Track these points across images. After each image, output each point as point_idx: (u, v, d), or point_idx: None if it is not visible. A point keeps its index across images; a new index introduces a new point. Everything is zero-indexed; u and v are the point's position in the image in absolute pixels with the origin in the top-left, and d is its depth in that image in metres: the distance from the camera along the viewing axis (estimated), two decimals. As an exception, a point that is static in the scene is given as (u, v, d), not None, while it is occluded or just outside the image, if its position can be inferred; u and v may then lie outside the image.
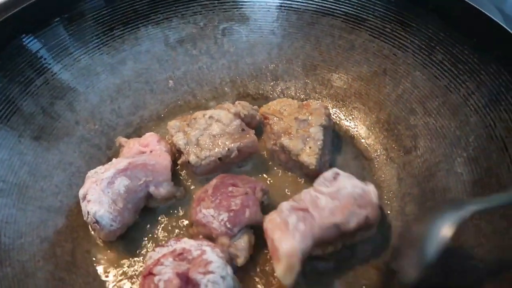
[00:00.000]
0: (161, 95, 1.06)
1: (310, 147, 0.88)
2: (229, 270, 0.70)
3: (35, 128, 0.89)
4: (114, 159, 0.84)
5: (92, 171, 0.83)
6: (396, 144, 0.94)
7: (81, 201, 0.79)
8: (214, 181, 0.82)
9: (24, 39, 0.90)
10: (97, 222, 0.76)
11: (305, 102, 0.96)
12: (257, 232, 0.80)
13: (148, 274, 0.68)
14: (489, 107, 0.81)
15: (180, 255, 0.69)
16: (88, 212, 0.76)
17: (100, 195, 0.76)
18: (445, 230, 0.62)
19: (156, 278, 0.66)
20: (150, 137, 0.91)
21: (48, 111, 0.92)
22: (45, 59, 0.93)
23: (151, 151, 0.87)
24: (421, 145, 0.90)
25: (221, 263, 0.69)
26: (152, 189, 0.83)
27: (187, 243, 0.72)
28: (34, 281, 0.72)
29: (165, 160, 0.84)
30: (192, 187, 0.91)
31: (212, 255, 0.69)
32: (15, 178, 0.82)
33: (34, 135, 0.89)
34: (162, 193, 0.84)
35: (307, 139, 0.89)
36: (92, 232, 0.83)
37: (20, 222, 0.79)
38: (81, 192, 0.79)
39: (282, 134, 0.90)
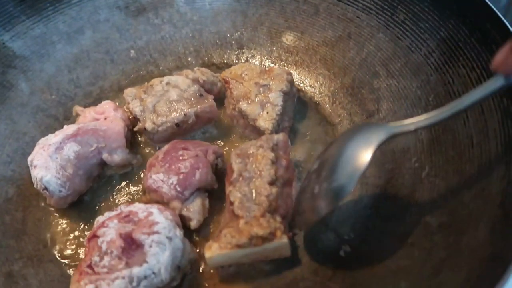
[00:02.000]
0: (122, 65, 1.03)
1: (267, 112, 0.86)
2: (178, 232, 0.68)
3: (-14, 97, 0.87)
4: (65, 126, 0.82)
5: (43, 138, 0.81)
6: (359, 109, 0.92)
7: (30, 168, 0.77)
8: (165, 147, 0.79)
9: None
10: (45, 188, 0.74)
11: (268, 67, 0.93)
12: (212, 196, 0.78)
13: (92, 236, 0.66)
14: (448, 64, 0.78)
15: (126, 217, 0.68)
16: (36, 178, 0.74)
17: (47, 160, 0.73)
18: (363, 154, 0.59)
19: (99, 240, 0.65)
20: (106, 105, 0.88)
21: (0, 80, 0.89)
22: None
23: (105, 118, 0.84)
24: (384, 108, 0.88)
25: (167, 224, 0.67)
26: (105, 156, 0.81)
27: (136, 207, 0.71)
28: (-23, 247, 0.70)
29: (118, 126, 0.82)
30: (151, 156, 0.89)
31: (159, 216, 0.67)
32: (-37, 146, 0.80)
33: (-16, 104, 0.86)
34: (116, 160, 0.81)
35: (266, 105, 0.87)
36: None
37: (-33, 190, 0.76)
38: (29, 159, 0.77)
39: (241, 99, 0.88)
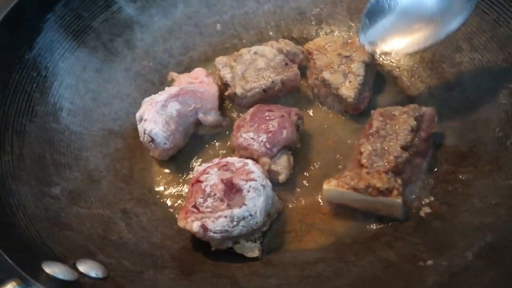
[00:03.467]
0: (209, 38, 1.11)
1: (350, 81, 0.90)
2: (269, 182, 0.75)
3: (98, 60, 0.98)
4: (166, 87, 0.92)
5: (148, 98, 0.91)
6: (439, 82, 0.94)
7: (137, 123, 0.87)
8: (251, 110, 0.87)
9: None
10: (152, 140, 0.84)
11: (351, 40, 0.98)
12: (294, 155, 0.84)
13: (196, 182, 0.75)
14: (539, 36, 0.79)
15: (224, 166, 0.76)
16: (144, 131, 0.84)
17: (155, 116, 0.83)
18: None
19: (203, 184, 0.73)
20: (199, 71, 0.97)
21: (108, 47, 1.00)
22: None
23: (200, 82, 0.93)
24: (466, 81, 0.90)
25: (261, 174, 0.74)
26: (201, 115, 0.90)
27: (231, 159, 0.79)
28: (98, 186, 0.82)
29: (213, 89, 0.90)
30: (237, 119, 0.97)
31: (254, 167, 0.75)
32: (81, 102, 0.92)
33: (96, 67, 0.98)
34: (210, 120, 0.90)
35: (348, 74, 0.92)
36: (149, 153, 0.91)
37: (86, 138, 0.88)
38: (138, 115, 0.87)
39: (324, 69, 0.93)
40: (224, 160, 0.78)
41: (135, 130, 0.94)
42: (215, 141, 0.93)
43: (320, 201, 0.81)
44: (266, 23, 1.13)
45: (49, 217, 0.70)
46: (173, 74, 0.99)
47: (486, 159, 0.76)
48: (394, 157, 0.75)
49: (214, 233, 0.69)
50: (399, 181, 0.73)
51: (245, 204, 0.71)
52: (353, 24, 1.08)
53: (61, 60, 0.91)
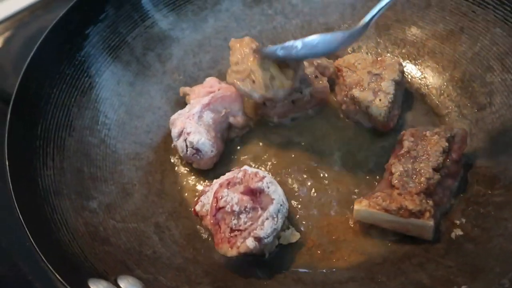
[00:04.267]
0: (238, 52, 1.13)
1: (380, 100, 0.91)
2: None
3: (131, 74, 1.00)
4: (191, 101, 0.93)
5: (175, 115, 0.92)
6: (469, 101, 0.94)
7: (175, 140, 0.88)
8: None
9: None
10: (197, 151, 0.85)
11: (380, 58, 0.98)
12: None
13: (216, 211, 0.74)
14: None
15: (229, 183, 0.76)
16: (187, 145, 0.85)
17: (197, 127, 0.85)
18: None
19: (227, 207, 0.73)
20: (211, 80, 0.99)
21: (141, 61, 1.03)
22: (147, 10, 1.03)
23: (218, 89, 0.94)
24: (497, 102, 0.89)
25: (265, 172, 0.78)
26: (231, 119, 0.92)
27: (226, 175, 0.79)
28: (132, 199, 0.84)
29: (236, 92, 0.93)
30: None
31: (252, 168, 0.79)
32: (115, 115, 0.94)
33: (129, 80, 1.00)
34: (240, 121, 0.93)
35: (378, 92, 0.92)
36: (191, 166, 0.91)
37: (120, 152, 0.91)
38: (175, 131, 0.88)
39: (354, 86, 0.94)
40: (222, 178, 0.78)
41: (166, 143, 0.96)
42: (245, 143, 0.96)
43: (350, 219, 0.82)
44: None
45: (89, 231, 0.72)
46: (185, 89, 1.00)
47: (519, 183, 0.76)
48: (426, 179, 0.75)
49: (267, 238, 0.71)
50: (430, 202, 0.74)
51: (273, 198, 0.74)
52: (380, 41, 1.09)
53: (97, 75, 0.94)
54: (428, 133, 0.82)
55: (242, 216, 0.73)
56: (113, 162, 0.87)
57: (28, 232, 0.63)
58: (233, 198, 0.74)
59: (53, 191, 0.74)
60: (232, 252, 0.72)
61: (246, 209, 0.73)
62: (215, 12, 1.12)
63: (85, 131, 0.87)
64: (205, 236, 0.83)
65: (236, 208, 0.74)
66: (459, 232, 0.76)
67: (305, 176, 0.89)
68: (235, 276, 0.75)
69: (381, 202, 0.74)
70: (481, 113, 0.91)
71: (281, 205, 0.74)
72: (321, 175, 0.89)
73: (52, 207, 0.71)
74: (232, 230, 0.72)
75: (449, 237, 0.76)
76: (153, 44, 1.05)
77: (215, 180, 0.80)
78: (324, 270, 0.76)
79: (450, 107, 0.96)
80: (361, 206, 0.76)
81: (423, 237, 0.75)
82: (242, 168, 0.79)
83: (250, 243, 0.70)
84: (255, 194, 0.75)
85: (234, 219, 0.73)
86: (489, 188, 0.80)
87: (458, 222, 0.78)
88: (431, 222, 0.72)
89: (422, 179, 0.75)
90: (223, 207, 0.74)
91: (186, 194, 0.90)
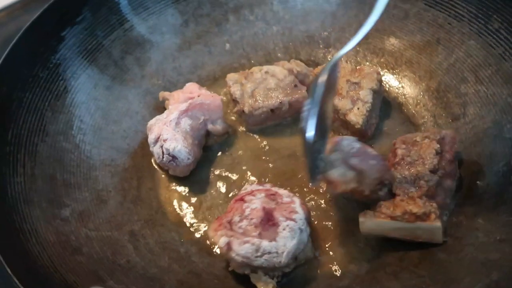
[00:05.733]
0: (218, 57, 1.12)
1: (358, 108, 0.92)
2: (308, 229, 0.75)
3: (108, 78, 0.99)
4: (170, 106, 0.93)
5: (152, 120, 0.91)
6: (444, 112, 0.96)
7: (151, 146, 0.87)
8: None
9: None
10: (173, 158, 0.84)
11: (359, 66, 0.99)
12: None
13: (240, 199, 0.76)
14: (544, 74, 0.81)
15: (272, 195, 0.76)
16: (163, 152, 0.84)
17: (173, 134, 0.84)
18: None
19: (245, 204, 0.74)
20: (191, 86, 0.98)
21: (119, 64, 1.01)
22: (125, 13, 1.02)
23: (198, 96, 0.94)
24: (470, 112, 0.91)
25: (304, 218, 0.74)
26: (210, 126, 0.92)
27: (281, 191, 0.79)
28: (106, 206, 0.82)
29: (217, 100, 0.93)
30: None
31: (299, 208, 0.74)
32: (91, 119, 0.93)
33: (107, 84, 0.98)
34: (219, 129, 0.93)
35: (357, 101, 0.93)
36: (167, 172, 0.91)
37: (95, 157, 0.89)
38: (152, 137, 0.87)
39: (333, 95, 0.95)
40: (275, 189, 0.78)
41: (143, 148, 0.95)
42: (220, 152, 0.95)
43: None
44: (274, 44, 1.14)
45: (60, 241, 0.70)
46: (165, 94, 1.00)
47: (490, 193, 0.78)
48: (425, 181, 0.76)
49: (236, 255, 0.70)
50: (434, 204, 0.74)
51: (276, 241, 0.70)
52: (359, 49, 1.10)
53: (73, 78, 0.92)
54: (418, 138, 0.82)
55: (244, 221, 0.72)
56: (87, 168, 0.85)
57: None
58: (255, 203, 0.74)
59: (23, 199, 0.71)
60: (210, 233, 0.74)
61: (251, 221, 0.72)
62: (196, 16, 1.11)
63: (59, 136, 0.85)
64: (181, 245, 0.82)
65: (247, 211, 0.73)
66: (432, 240, 0.77)
67: (284, 183, 0.89)
68: (211, 285, 0.75)
69: (385, 210, 0.73)
70: (456, 123, 0.93)
71: (276, 253, 0.69)
72: (303, 183, 0.89)
73: (21, 216, 0.69)
74: (229, 221, 0.73)
75: (422, 245, 0.77)
76: (131, 47, 1.04)
77: (278, 188, 0.79)
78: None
79: (426, 117, 0.98)
80: (365, 218, 0.75)
81: (434, 241, 0.74)
82: (294, 197, 0.76)
83: (222, 242, 0.70)
84: (269, 220, 0.72)
85: (238, 216, 0.73)
86: (462, 198, 0.81)
87: (431, 231, 0.79)
88: (438, 224, 0.72)
89: (422, 182, 0.76)
90: (244, 201, 0.75)
91: (162, 201, 0.89)
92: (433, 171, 0.77)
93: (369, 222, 0.74)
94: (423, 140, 0.81)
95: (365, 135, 0.94)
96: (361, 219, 0.75)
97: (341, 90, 0.95)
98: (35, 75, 0.85)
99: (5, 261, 0.58)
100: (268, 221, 0.72)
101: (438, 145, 0.79)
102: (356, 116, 0.91)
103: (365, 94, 0.93)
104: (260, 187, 0.78)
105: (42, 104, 0.85)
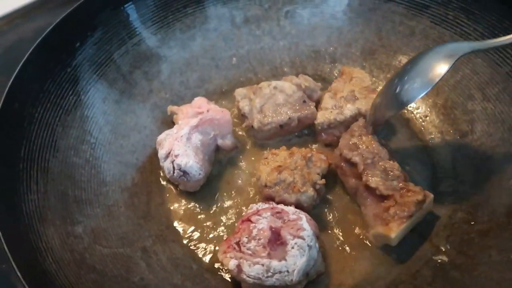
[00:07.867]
0: (225, 71, 1.13)
1: (331, 112, 0.94)
2: (316, 244, 0.74)
3: (117, 92, 0.98)
4: (180, 121, 0.92)
5: (162, 135, 0.91)
6: (451, 128, 0.97)
7: (162, 161, 0.87)
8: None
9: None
10: (184, 174, 0.84)
11: (374, 88, 1.00)
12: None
13: (246, 220, 0.75)
14: (552, 93, 0.83)
15: (278, 213, 0.76)
16: (174, 167, 0.84)
17: (185, 149, 0.84)
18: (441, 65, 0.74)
19: (252, 225, 0.73)
20: (200, 101, 0.98)
21: (127, 78, 1.01)
22: (135, 27, 1.02)
23: (208, 111, 0.94)
24: (478, 130, 0.93)
25: (311, 234, 0.73)
26: (220, 141, 0.92)
27: (288, 208, 0.78)
28: (118, 222, 0.82)
29: (227, 115, 0.93)
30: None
31: (306, 224, 0.74)
32: (100, 134, 0.92)
33: (115, 98, 0.98)
34: (228, 144, 0.93)
35: (338, 108, 0.95)
36: (177, 187, 0.91)
37: (105, 173, 0.88)
38: (163, 152, 0.86)
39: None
40: (281, 206, 0.78)
41: (152, 163, 0.95)
42: (232, 165, 0.96)
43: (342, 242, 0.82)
44: (281, 59, 1.15)
45: (75, 259, 0.69)
46: (173, 108, 0.99)
47: (501, 211, 0.79)
48: (397, 169, 0.79)
49: (247, 276, 0.69)
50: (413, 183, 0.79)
51: (285, 260, 0.70)
52: (366, 65, 1.11)
53: (82, 92, 0.91)
54: (354, 140, 0.85)
55: (252, 242, 0.72)
56: (98, 183, 0.85)
57: (15, 265, 0.59)
58: (262, 223, 0.74)
59: (37, 217, 0.70)
60: (219, 256, 0.74)
61: (259, 241, 0.72)
62: (203, 31, 1.12)
63: (70, 151, 0.85)
64: (193, 261, 0.81)
65: (254, 232, 0.73)
66: (444, 258, 0.78)
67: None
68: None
69: (402, 213, 0.75)
70: (463, 140, 0.94)
71: (287, 271, 0.69)
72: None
73: (37, 235, 0.68)
74: (237, 243, 0.72)
75: (435, 264, 0.77)
76: (140, 61, 1.04)
77: (284, 206, 0.79)
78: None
79: (434, 133, 0.99)
80: (395, 232, 0.74)
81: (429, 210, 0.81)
82: (300, 214, 0.76)
83: (232, 264, 0.70)
84: (277, 239, 0.72)
85: (246, 237, 0.73)
86: (473, 214, 0.82)
87: (443, 248, 0.79)
88: (431, 195, 0.78)
89: (395, 172, 0.79)
90: (251, 222, 0.74)
91: (172, 216, 0.88)
92: (390, 159, 0.81)
93: (399, 233, 0.75)
94: (360, 138, 0.84)
95: (318, 137, 0.96)
96: (392, 235, 0.75)
97: (341, 91, 0.96)
98: (46, 91, 0.85)
99: (26, 283, 0.57)
100: (276, 241, 0.72)
101: (376, 136, 0.84)
102: (323, 116, 0.93)
103: (349, 110, 0.94)
104: (266, 206, 0.78)
105: (53, 119, 0.84)
